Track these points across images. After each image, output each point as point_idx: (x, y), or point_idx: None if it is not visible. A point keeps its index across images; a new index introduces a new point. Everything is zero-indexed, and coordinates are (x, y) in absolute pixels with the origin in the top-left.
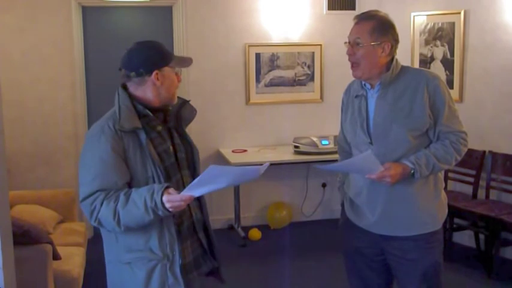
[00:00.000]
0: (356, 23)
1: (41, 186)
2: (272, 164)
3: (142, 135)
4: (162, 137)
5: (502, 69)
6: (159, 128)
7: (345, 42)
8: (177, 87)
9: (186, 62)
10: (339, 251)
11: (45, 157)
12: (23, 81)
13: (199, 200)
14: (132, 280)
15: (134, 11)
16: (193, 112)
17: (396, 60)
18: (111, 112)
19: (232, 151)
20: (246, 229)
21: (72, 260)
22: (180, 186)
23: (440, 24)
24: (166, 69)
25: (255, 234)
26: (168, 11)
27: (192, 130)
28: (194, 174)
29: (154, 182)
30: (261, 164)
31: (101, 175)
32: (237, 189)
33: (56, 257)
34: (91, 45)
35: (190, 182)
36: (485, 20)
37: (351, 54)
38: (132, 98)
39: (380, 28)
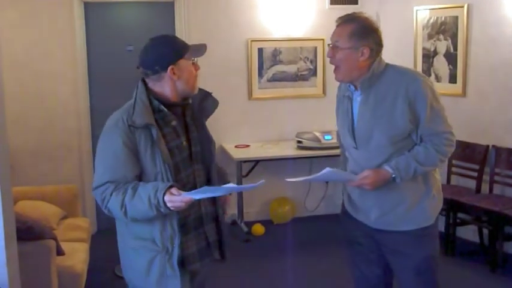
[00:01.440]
0: (337, 26)
1: (44, 182)
2: (275, 159)
3: (154, 131)
4: (176, 132)
5: (506, 63)
6: (174, 123)
7: (328, 44)
8: (197, 76)
9: (200, 50)
10: (342, 245)
11: (48, 153)
12: (25, 77)
13: None
14: (136, 265)
15: (136, 6)
16: (215, 103)
17: (379, 60)
18: (128, 105)
19: (235, 146)
20: (249, 224)
21: (76, 256)
22: (191, 181)
23: (443, 18)
24: (182, 61)
25: (258, 229)
26: (170, 6)
27: None
28: (209, 168)
29: (162, 177)
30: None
31: (111, 168)
32: (240, 185)
33: (60, 252)
34: (93, 41)
35: (201, 176)
36: (488, 13)
37: (331, 56)
38: (149, 92)
39: (359, 32)
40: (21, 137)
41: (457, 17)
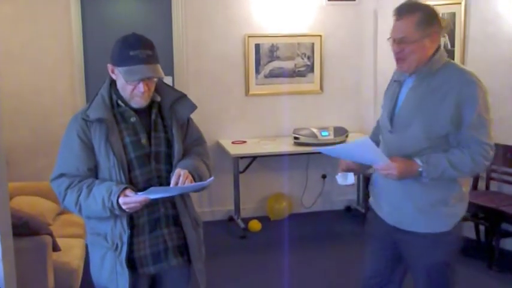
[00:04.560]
0: (398, 19)
1: (40, 177)
2: (272, 156)
3: (109, 126)
4: (135, 129)
5: (503, 60)
6: (133, 119)
7: (389, 39)
8: (135, 95)
9: (131, 76)
10: (338, 242)
11: (44, 149)
12: (22, 73)
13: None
14: (92, 259)
15: (133, 1)
16: (190, 107)
17: (441, 53)
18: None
19: (232, 142)
20: (246, 220)
21: (72, 252)
22: (154, 178)
23: (440, 15)
24: (118, 70)
25: (255, 225)
26: (167, 1)
27: None
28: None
29: (116, 172)
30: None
31: (65, 160)
32: (236, 181)
33: (56, 248)
34: (90, 36)
35: (164, 178)
36: (486, 10)
37: (398, 51)
38: (113, 86)
39: (426, 19)
40: (17, 133)
41: (454, 14)
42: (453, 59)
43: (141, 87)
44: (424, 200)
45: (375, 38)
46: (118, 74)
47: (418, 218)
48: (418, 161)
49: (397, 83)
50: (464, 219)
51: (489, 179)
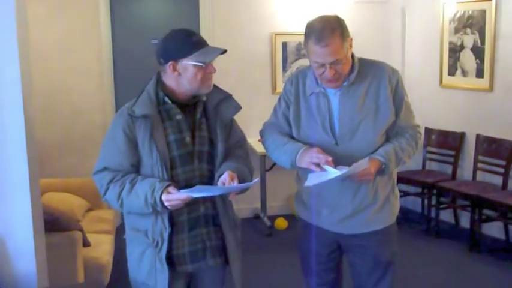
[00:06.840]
0: (324, 46)
1: (70, 174)
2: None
3: (154, 123)
4: (179, 127)
5: None
6: (178, 117)
7: (318, 66)
8: (207, 79)
9: (208, 55)
10: None
11: (73, 146)
12: (52, 71)
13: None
14: (131, 255)
15: (161, 0)
16: (235, 108)
17: (352, 55)
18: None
19: (259, 140)
20: (272, 218)
21: (101, 248)
22: (196, 177)
23: (470, 12)
24: (185, 61)
25: (281, 223)
26: (194, 0)
27: None
28: (214, 170)
29: (158, 169)
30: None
31: (109, 155)
32: (263, 179)
33: (86, 243)
34: (118, 35)
35: (206, 177)
36: None
37: (333, 74)
38: (160, 84)
39: (344, 31)
40: (48, 131)
41: (484, 11)
42: (483, 57)
43: (212, 68)
44: (383, 195)
45: (403, 36)
46: (186, 66)
47: (377, 216)
48: (379, 157)
49: (315, 95)
50: (493, 219)
51: None
